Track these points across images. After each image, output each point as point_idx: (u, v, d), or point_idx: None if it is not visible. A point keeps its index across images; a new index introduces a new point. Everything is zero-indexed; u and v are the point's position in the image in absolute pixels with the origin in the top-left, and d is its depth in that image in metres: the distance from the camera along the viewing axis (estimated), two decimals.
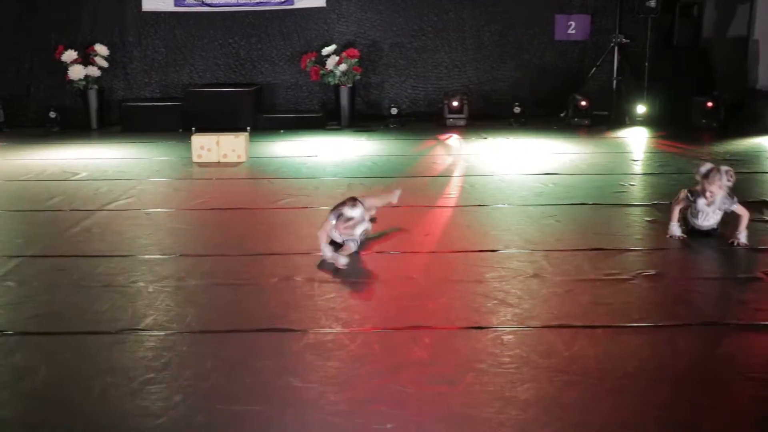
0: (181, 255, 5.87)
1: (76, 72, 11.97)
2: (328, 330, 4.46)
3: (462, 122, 11.82)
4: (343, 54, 11.90)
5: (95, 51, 12.10)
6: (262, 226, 6.78)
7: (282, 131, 11.62)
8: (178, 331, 4.48)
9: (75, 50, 11.97)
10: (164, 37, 12.62)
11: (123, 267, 5.58)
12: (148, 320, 4.62)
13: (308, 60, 12.06)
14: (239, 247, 6.05)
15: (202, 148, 9.42)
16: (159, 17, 12.53)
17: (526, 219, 6.67)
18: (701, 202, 5.98)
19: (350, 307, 4.83)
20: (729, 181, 5.91)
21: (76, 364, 4.11)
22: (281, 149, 10.32)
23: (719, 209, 5.98)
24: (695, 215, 6.07)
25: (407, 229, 6.55)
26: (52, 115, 12.11)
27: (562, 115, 12.03)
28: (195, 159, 9.42)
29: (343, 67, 11.83)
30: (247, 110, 11.86)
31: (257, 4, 12.47)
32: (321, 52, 12.03)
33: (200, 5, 12.43)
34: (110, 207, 7.32)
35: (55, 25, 12.35)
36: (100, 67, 12.11)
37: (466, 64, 12.63)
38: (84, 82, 12.06)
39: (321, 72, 11.98)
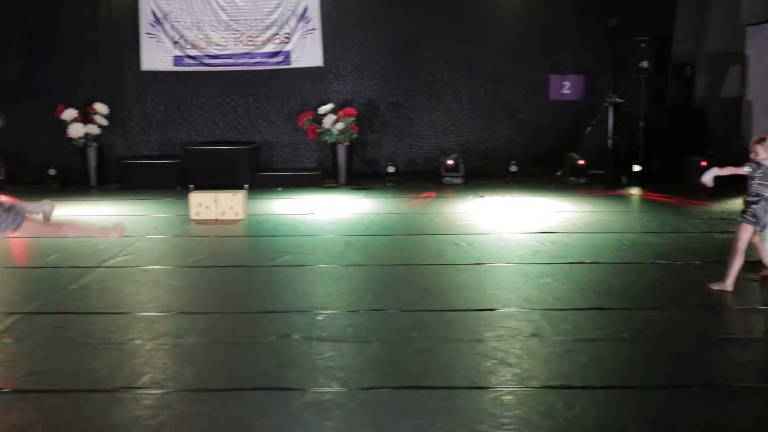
0: (178, 312, 5.85)
1: (76, 130, 12.07)
2: (326, 389, 4.43)
3: (458, 180, 11.89)
4: (340, 113, 12.02)
5: (95, 109, 12.22)
6: (260, 283, 6.76)
7: (280, 189, 11.68)
8: (175, 390, 4.44)
9: (75, 109, 12.09)
10: (163, 95, 12.77)
11: (120, 324, 5.55)
12: (145, 378, 4.58)
13: (305, 118, 12.18)
14: (237, 305, 6.04)
15: (200, 205, 9.45)
16: (158, 76, 12.69)
17: (523, 278, 6.67)
18: None
19: (348, 366, 4.80)
20: None
21: (72, 423, 4.06)
22: (279, 207, 10.35)
23: None
24: None
25: (406, 287, 6.55)
26: (52, 172, 12.21)
27: (558, 173, 12.12)
28: (193, 216, 9.44)
29: (340, 125, 11.94)
30: (244, 168, 11.94)
31: (255, 63, 12.63)
32: (318, 110, 12.16)
33: (199, 65, 12.59)
34: (108, 264, 7.31)
35: (56, 84, 12.48)
36: (99, 126, 12.23)
37: (462, 123, 12.77)
38: (83, 140, 12.15)
39: (318, 130, 12.09)
